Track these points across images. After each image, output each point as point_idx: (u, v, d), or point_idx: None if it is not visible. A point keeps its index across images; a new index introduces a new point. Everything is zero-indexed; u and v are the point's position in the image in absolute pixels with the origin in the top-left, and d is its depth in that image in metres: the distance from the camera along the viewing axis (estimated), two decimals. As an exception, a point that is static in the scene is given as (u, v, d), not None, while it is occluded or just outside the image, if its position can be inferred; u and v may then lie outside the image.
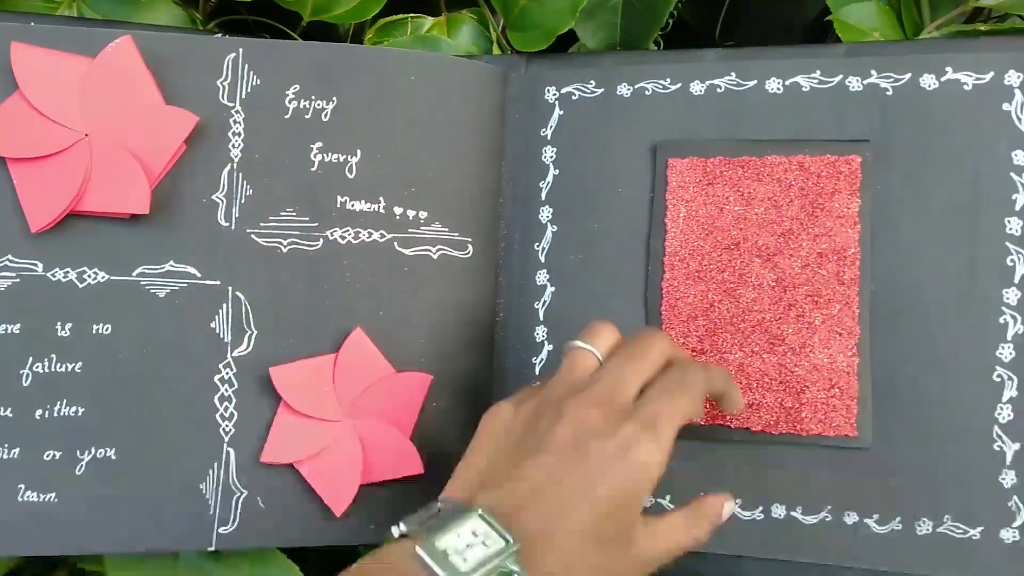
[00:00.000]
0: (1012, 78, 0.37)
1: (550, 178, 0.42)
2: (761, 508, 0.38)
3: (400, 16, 0.45)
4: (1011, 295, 0.37)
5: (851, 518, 0.38)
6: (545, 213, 0.42)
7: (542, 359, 0.41)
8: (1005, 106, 0.37)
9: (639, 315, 0.40)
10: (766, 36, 0.51)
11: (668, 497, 0.39)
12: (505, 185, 0.42)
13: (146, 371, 0.37)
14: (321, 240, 0.39)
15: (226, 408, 0.37)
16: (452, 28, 0.45)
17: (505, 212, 0.42)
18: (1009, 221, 0.37)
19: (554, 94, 0.42)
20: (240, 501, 0.37)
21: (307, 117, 0.39)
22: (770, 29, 0.51)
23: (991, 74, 0.37)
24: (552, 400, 0.32)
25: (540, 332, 0.41)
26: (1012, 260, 0.37)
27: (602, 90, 0.41)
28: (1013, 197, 0.37)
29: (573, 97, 0.42)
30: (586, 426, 0.30)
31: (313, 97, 0.39)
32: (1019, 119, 0.37)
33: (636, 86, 0.41)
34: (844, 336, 0.38)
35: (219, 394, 0.37)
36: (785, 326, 0.38)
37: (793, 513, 0.38)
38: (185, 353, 0.37)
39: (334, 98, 0.39)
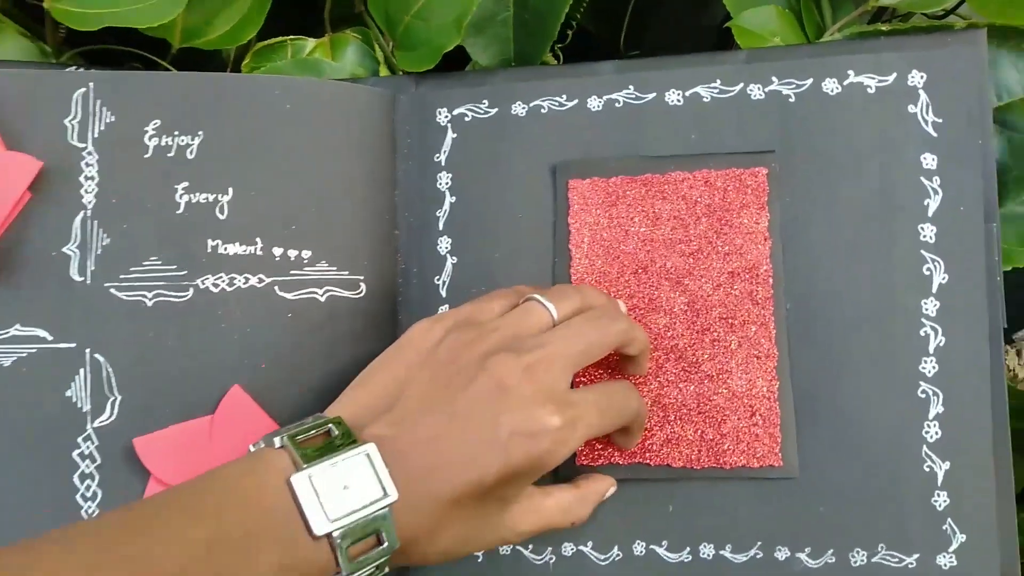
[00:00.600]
0: (915, 78, 0.36)
1: (447, 206, 0.39)
2: (689, 549, 0.36)
3: (279, 39, 0.42)
4: (930, 306, 0.35)
5: (783, 553, 0.35)
6: (444, 244, 0.39)
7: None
8: (911, 108, 0.36)
9: (547, 349, 0.37)
10: (673, 44, 0.49)
11: (590, 543, 0.36)
12: (400, 216, 0.39)
13: (-8, 451, 0.33)
14: (191, 290, 0.35)
15: (88, 487, 0.33)
16: (336, 50, 0.42)
17: (401, 245, 0.39)
18: (923, 228, 0.35)
19: (446, 116, 0.39)
20: (110, 589, 0.33)
21: (170, 155, 0.35)
22: (677, 36, 0.50)
23: (894, 75, 0.36)
24: (487, 346, 0.30)
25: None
26: (928, 269, 0.35)
27: (496, 110, 0.39)
28: (925, 203, 0.35)
29: (466, 119, 0.39)
30: (506, 395, 0.29)
31: (176, 133, 0.35)
32: (925, 121, 0.35)
33: (531, 104, 0.39)
34: (762, 359, 0.36)
35: (79, 471, 0.33)
36: (700, 352, 0.36)
37: (722, 552, 0.36)
38: (37, 429, 0.33)
39: (200, 132, 0.35)
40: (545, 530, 0.32)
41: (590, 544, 0.37)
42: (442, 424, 0.28)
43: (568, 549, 0.37)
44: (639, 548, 0.36)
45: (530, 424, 0.29)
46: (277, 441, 0.28)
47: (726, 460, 0.35)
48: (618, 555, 0.36)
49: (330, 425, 0.29)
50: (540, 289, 0.34)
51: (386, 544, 0.27)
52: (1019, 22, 0.36)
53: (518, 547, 0.37)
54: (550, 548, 0.37)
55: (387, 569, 0.28)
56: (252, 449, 0.29)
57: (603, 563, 0.36)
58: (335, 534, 0.26)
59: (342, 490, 0.26)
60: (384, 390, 0.30)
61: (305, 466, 0.26)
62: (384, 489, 0.27)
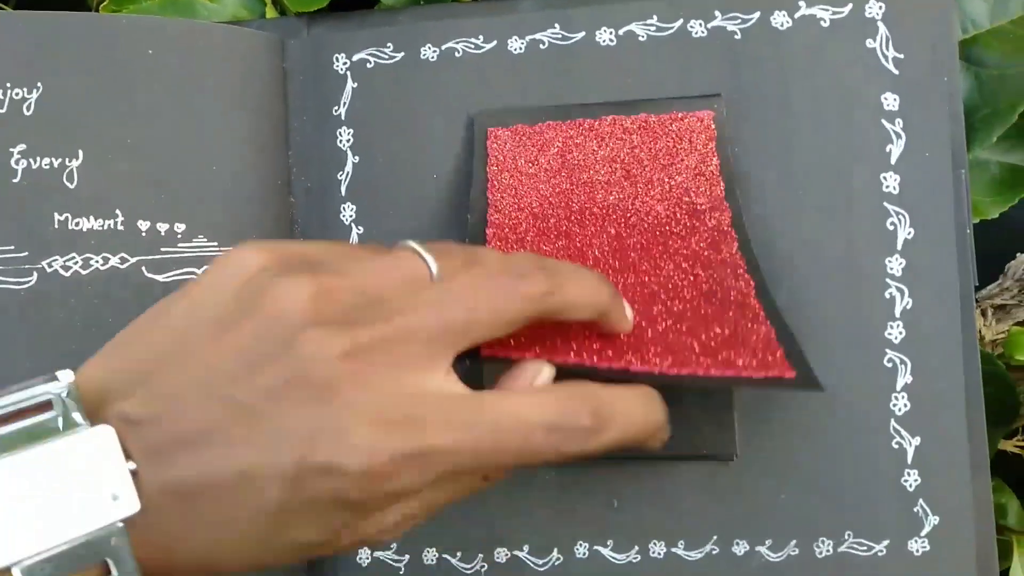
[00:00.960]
0: (874, 9, 0.32)
1: (349, 167, 0.34)
2: (637, 548, 0.32)
3: (146, -23, 0.36)
4: (895, 264, 0.31)
5: (741, 547, 0.32)
6: (347, 211, 0.34)
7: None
8: (869, 43, 0.32)
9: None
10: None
11: (526, 548, 0.32)
12: (294, 180, 0.34)
13: None
14: (35, 274, 0.29)
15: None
16: (215, -10, 0.36)
17: (298, 214, 0.34)
18: (886, 178, 0.32)
19: (344, 63, 0.34)
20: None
21: (2, 111, 0.29)
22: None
23: (850, 6, 0.32)
24: (309, 308, 0.20)
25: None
26: (892, 223, 0.31)
27: (402, 54, 0.34)
28: (887, 148, 0.32)
29: (368, 65, 0.34)
30: (315, 396, 0.20)
31: (8, 85, 0.30)
32: (885, 57, 0.32)
33: (443, 47, 0.34)
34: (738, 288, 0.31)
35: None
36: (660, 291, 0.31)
37: (674, 550, 0.32)
38: None
39: (38, 84, 0.30)
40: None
41: (526, 548, 0.32)
42: (217, 416, 0.20)
43: (502, 555, 0.32)
44: (581, 550, 0.32)
45: (335, 453, 0.20)
46: None
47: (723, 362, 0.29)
48: (558, 559, 0.32)
49: (51, 395, 0.20)
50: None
51: None
52: (984, -55, 0.33)
53: (444, 554, 0.33)
54: (481, 555, 0.33)
55: None
56: None
57: (542, 568, 0.32)
58: (27, 565, 0.18)
59: (50, 496, 0.19)
60: (153, 349, 0.21)
61: None
62: (116, 494, 0.19)
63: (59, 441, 0.19)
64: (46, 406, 0.20)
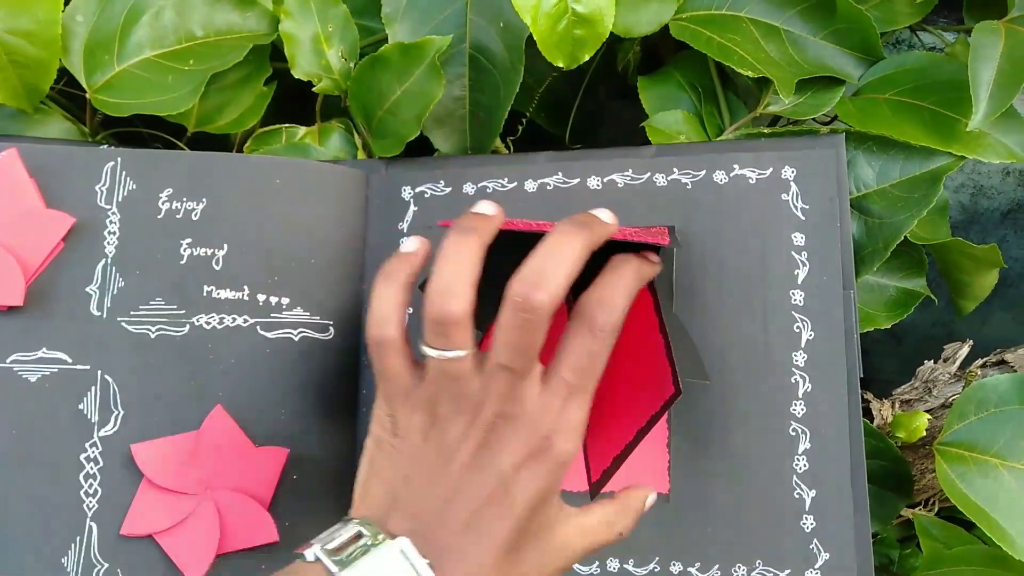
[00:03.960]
0: (788, 172, 0.43)
1: None
2: (597, 563, 0.42)
3: (276, 127, 0.51)
4: (799, 358, 0.42)
5: (677, 567, 0.41)
6: None
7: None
8: (783, 196, 0.43)
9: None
10: (610, 139, 0.58)
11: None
12: (366, 272, 0.46)
13: (13, 451, 0.40)
14: (188, 326, 0.42)
15: (90, 485, 0.40)
16: (323, 136, 0.50)
17: (366, 297, 0.46)
18: (794, 293, 0.42)
19: (409, 192, 0.47)
20: (101, 573, 0.39)
21: (178, 217, 0.43)
22: (616, 132, 0.58)
23: (770, 169, 0.44)
24: (442, 415, 0.31)
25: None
26: (798, 327, 0.42)
27: (450, 188, 0.47)
28: (795, 272, 0.43)
29: (426, 195, 0.47)
30: (492, 438, 0.29)
31: (184, 199, 0.44)
32: (795, 207, 0.43)
33: (479, 184, 0.46)
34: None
35: (84, 472, 0.40)
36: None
37: (626, 566, 0.42)
38: (52, 434, 0.40)
39: (204, 199, 0.44)
40: (595, 547, 0.33)
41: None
42: (448, 490, 0.29)
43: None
44: (555, 562, 0.42)
45: (528, 445, 0.30)
46: (309, 555, 0.29)
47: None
48: (537, 567, 0.42)
49: (357, 529, 0.29)
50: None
51: None
52: (873, 129, 0.44)
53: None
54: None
55: None
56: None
57: None
58: None
59: None
60: (384, 482, 0.31)
61: (342, 571, 0.27)
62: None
63: (381, 549, 0.27)
64: (355, 535, 0.29)
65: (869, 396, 0.49)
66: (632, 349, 0.39)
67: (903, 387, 0.48)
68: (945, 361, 0.48)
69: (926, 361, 0.48)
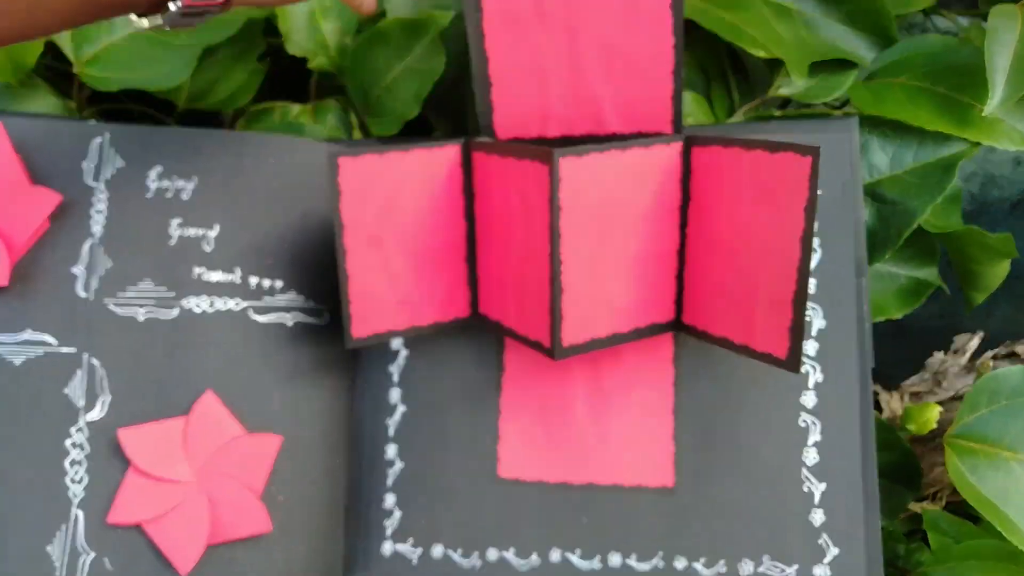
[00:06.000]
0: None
1: None
2: (599, 557, 0.41)
3: (270, 104, 0.49)
4: (810, 346, 0.41)
5: (681, 562, 0.40)
6: None
7: (396, 420, 0.43)
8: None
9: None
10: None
11: (512, 549, 0.41)
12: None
13: (-4, 436, 0.38)
14: (177, 309, 0.41)
15: (76, 471, 0.39)
16: (318, 115, 0.49)
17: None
18: (804, 280, 0.41)
19: (407, 173, 0.46)
20: (87, 563, 0.38)
21: (168, 196, 0.42)
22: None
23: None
24: None
25: (395, 393, 0.43)
26: (809, 315, 0.41)
27: (449, 169, 0.46)
28: (806, 260, 0.41)
29: (423, 175, 0.46)
30: None
31: (174, 177, 0.42)
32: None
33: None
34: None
35: (70, 458, 0.39)
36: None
37: (629, 561, 0.40)
38: (37, 418, 0.39)
39: (194, 178, 0.42)
40: None
41: (511, 550, 0.41)
42: None
43: (492, 555, 0.41)
44: (555, 555, 0.41)
45: None
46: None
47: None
48: (537, 561, 0.41)
49: None
50: None
51: None
52: (887, 114, 0.43)
53: (441, 552, 0.41)
54: (476, 553, 0.41)
55: None
56: None
57: (523, 570, 0.41)
58: None
59: None
60: None
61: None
62: None
63: None
64: None
65: (877, 388, 0.48)
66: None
67: (912, 379, 0.47)
68: (955, 353, 0.47)
69: (935, 353, 0.47)
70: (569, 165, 0.34)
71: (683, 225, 0.39)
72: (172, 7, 0.30)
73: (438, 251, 0.40)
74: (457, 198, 0.40)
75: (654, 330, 0.40)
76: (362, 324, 0.39)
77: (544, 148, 0.34)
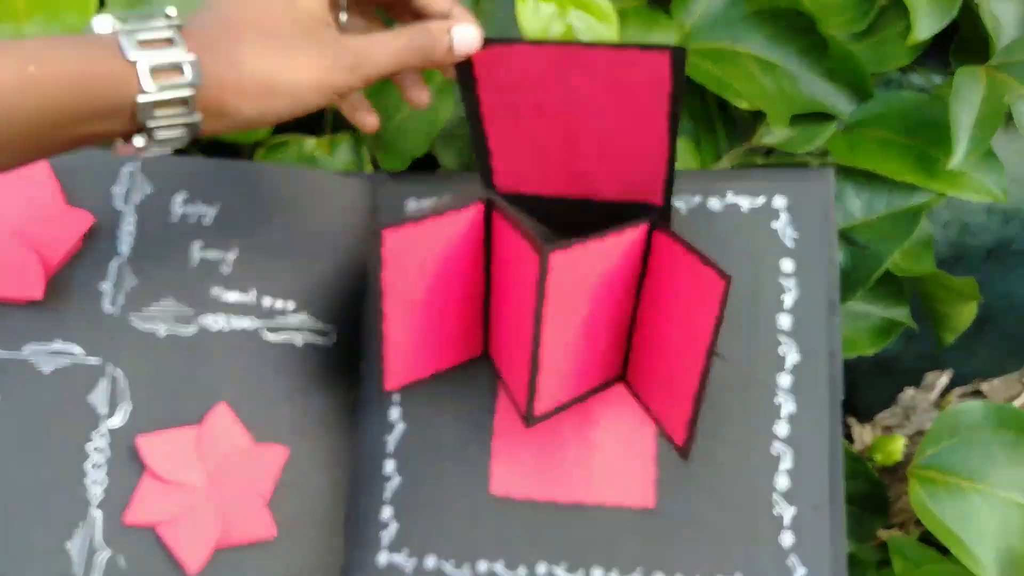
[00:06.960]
0: (779, 202, 0.45)
1: None
2: (583, 571, 0.43)
3: (287, 136, 0.52)
4: (783, 379, 0.43)
5: (659, 577, 0.43)
6: None
7: (395, 437, 0.46)
8: (773, 224, 0.45)
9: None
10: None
11: (502, 562, 0.44)
12: (370, 282, 0.48)
13: (24, 438, 0.41)
14: (196, 326, 0.44)
15: (97, 474, 0.41)
16: (332, 148, 0.52)
17: (368, 305, 0.48)
18: (780, 317, 0.44)
19: (414, 204, 0.49)
20: (103, 560, 0.41)
21: (191, 220, 0.45)
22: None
23: (763, 198, 0.45)
24: None
25: (395, 412, 0.46)
26: (783, 350, 0.44)
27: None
28: (782, 297, 0.44)
29: (427, 207, 0.49)
30: None
31: (198, 202, 0.45)
32: (785, 235, 0.45)
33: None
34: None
35: (91, 461, 0.42)
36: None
37: (611, 575, 0.43)
38: (62, 423, 0.42)
39: (216, 204, 0.45)
40: (392, 63, 0.33)
41: (501, 562, 0.44)
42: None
43: (482, 567, 0.44)
44: (542, 569, 0.43)
45: None
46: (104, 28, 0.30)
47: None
48: (524, 573, 0.43)
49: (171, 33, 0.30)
50: None
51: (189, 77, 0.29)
52: (861, 164, 0.46)
53: (434, 563, 0.44)
54: (467, 564, 0.44)
55: (196, 117, 0.30)
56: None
57: (511, 580, 0.43)
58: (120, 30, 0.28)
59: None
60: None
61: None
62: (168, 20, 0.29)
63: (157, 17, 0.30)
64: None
65: (852, 420, 0.50)
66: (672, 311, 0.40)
67: (883, 412, 0.50)
68: (925, 389, 0.50)
69: (907, 388, 0.49)
70: (558, 258, 0.36)
71: (639, 291, 0.42)
72: (138, 143, 0.31)
73: (462, 302, 0.43)
74: (479, 250, 0.42)
75: (605, 386, 0.44)
76: (394, 377, 0.43)
77: (538, 241, 0.36)
